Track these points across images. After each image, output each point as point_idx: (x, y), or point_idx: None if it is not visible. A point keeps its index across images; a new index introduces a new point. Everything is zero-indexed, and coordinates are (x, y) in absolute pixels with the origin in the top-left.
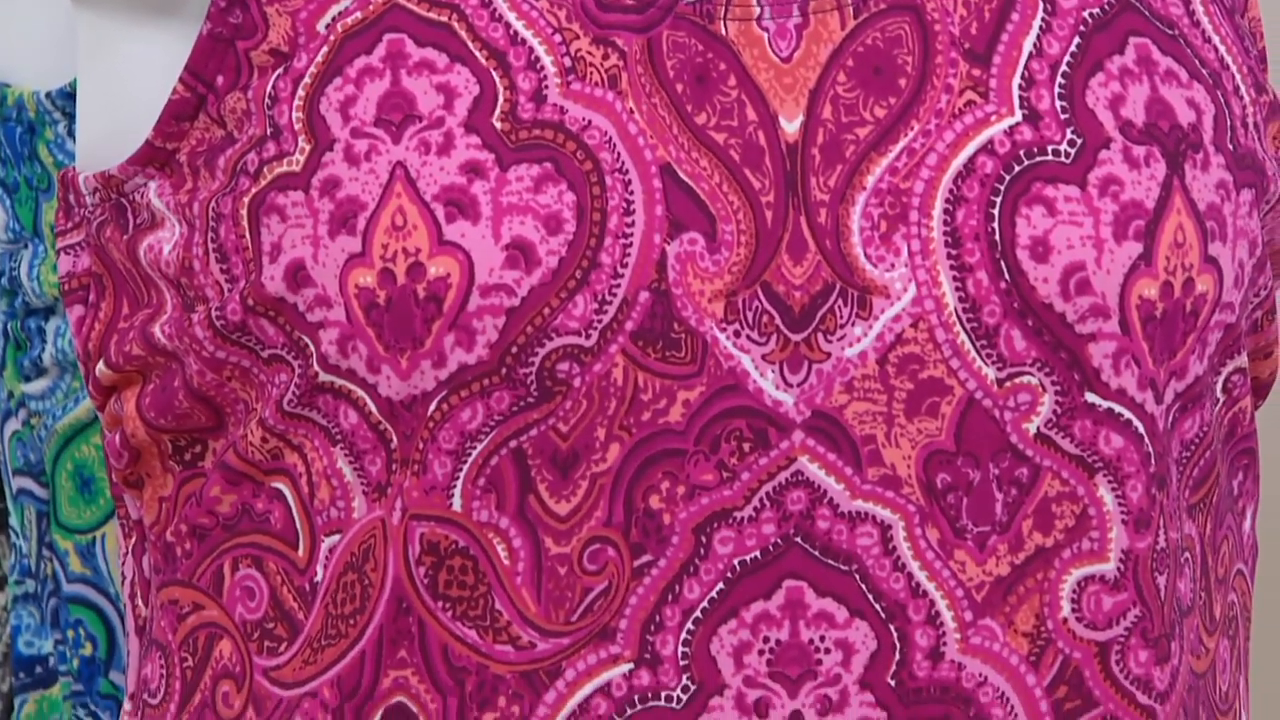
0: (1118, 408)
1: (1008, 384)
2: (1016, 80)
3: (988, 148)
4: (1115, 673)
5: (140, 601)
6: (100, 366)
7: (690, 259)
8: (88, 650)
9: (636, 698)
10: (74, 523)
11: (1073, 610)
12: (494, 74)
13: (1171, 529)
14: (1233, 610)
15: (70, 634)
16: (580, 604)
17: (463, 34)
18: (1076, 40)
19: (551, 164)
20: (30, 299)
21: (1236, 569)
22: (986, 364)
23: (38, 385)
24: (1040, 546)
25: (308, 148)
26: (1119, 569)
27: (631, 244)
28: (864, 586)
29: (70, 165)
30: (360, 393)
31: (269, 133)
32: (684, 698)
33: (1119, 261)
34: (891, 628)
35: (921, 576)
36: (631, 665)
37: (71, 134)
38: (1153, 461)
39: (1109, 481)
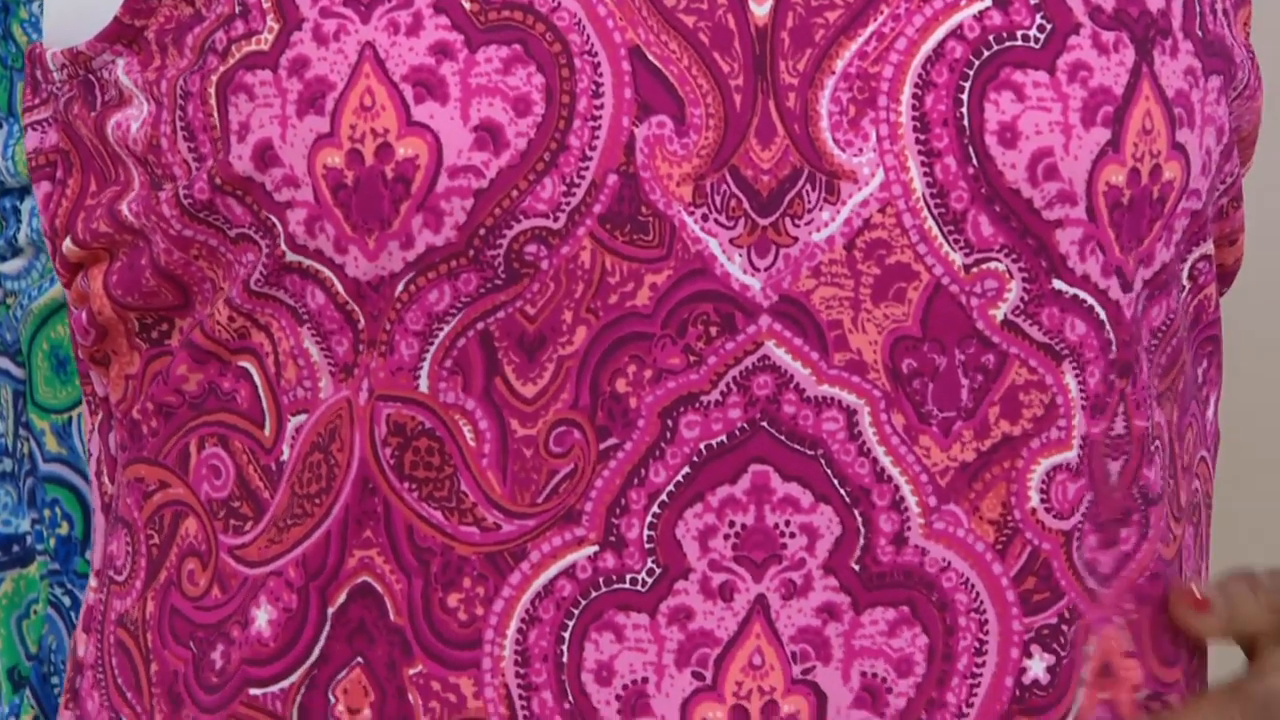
0: (1082, 294)
1: (974, 270)
2: None
3: (957, 32)
4: (1076, 561)
5: (106, 479)
6: (67, 244)
7: (658, 142)
8: (64, 529)
9: (601, 580)
10: (50, 403)
11: (1042, 501)
12: None
13: (1139, 417)
14: (1196, 497)
15: (47, 513)
16: (546, 486)
17: None
18: None
19: (520, 45)
20: (5, 178)
21: (1200, 456)
22: (954, 250)
23: (13, 265)
24: (1007, 435)
25: (276, 26)
26: (1080, 455)
27: (600, 127)
28: (829, 471)
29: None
30: (327, 273)
31: (237, 11)
32: (649, 581)
33: (1086, 148)
34: (856, 512)
35: (886, 462)
36: (596, 548)
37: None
38: (1113, 349)
39: (1074, 369)
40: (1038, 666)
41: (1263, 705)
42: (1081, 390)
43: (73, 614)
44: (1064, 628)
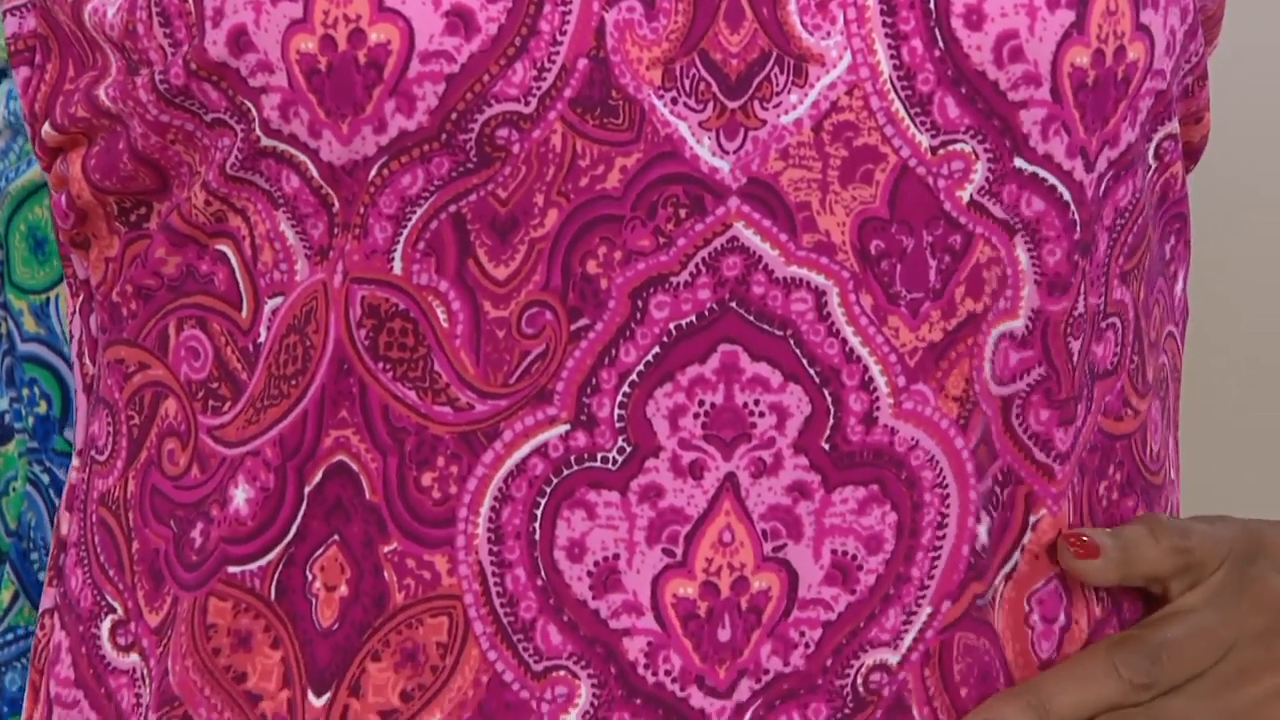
0: (1043, 173)
1: (941, 151)
2: None
3: None
4: (1015, 427)
5: (87, 360)
6: (46, 128)
7: (628, 26)
8: (42, 408)
9: (573, 458)
10: (28, 283)
11: (990, 369)
12: None
13: (1093, 295)
14: (1163, 372)
15: (25, 392)
16: (518, 367)
17: None
18: None
19: None
20: None
21: (1168, 331)
22: (920, 131)
23: None
24: (971, 312)
25: None
26: (1027, 327)
27: (570, 11)
28: (798, 351)
29: None
30: (302, 157)
31: None
32: (619, 459)
33: (1051, 29)
34: (825, 392)
35: (855, 342)
36: (568, 427)
37: None
38: (1077, 228)
39: (1026, 243)
40: (983, 531)
41: (1151, 654)
42: (1036, 266)
43: (51, 491)
44: (997, 489)
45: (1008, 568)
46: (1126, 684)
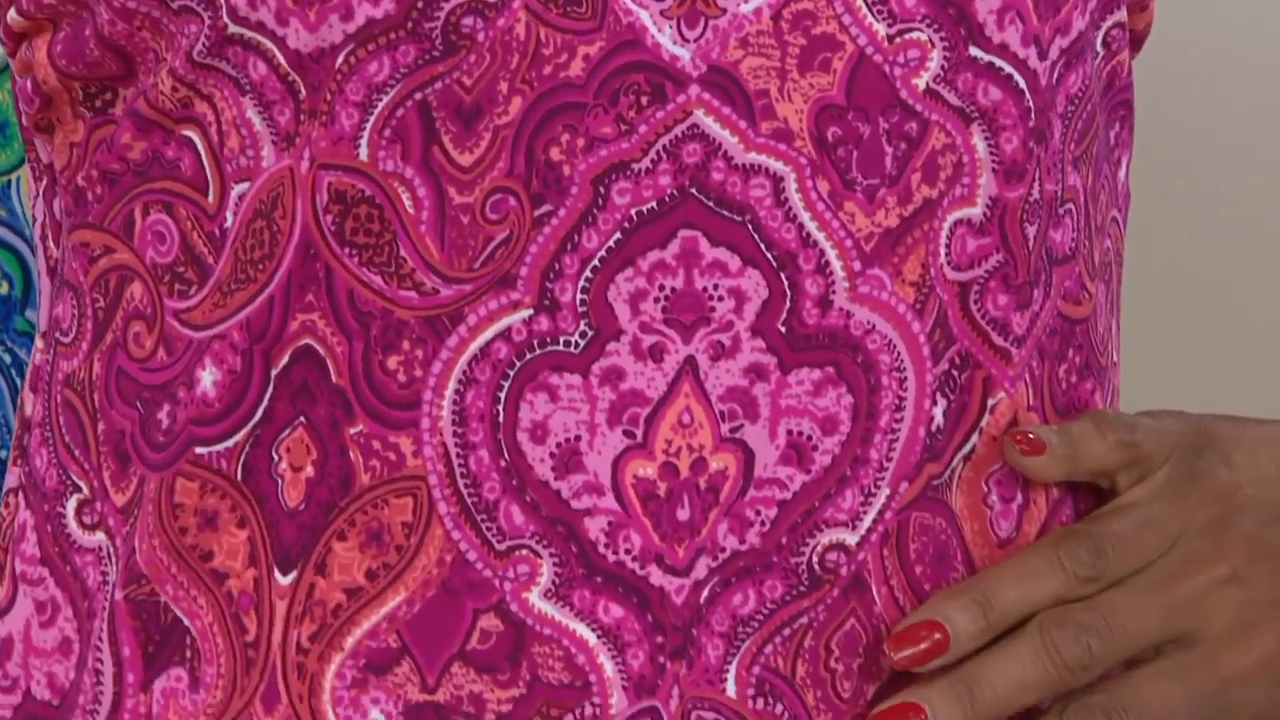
0: (999, 61)
1: (897, 40)
2: None
3: None
4: (973, 312)
5: (51, 243)
6: (12, 14)
7: None
8: (3, 289)
9: (535, 342)
10: None
11: (946, 255)
12: None
13: (1049, 181)
14: (1108, 256)
15: None
16: (482, 252)
17: None
18: None
19: None
20: None
21: (1112, 216)
22: (877, 20)
23: None
24: (927, 199)
25: None
26: (985, 214)
27: None
28: (756, 236)
29: None
30: (269, 44)
31: None
32: (581, 343)
33: None
34: (782, 276)
35: (812, 227)
36: (531, 311)
37: None
38: (1033, 116)
39: (983, 131)
40: (939, 413)
41: (1095, 548)
42: (994, 154)
43: (12, 371)
44: (953, 372)
45: (966, 449)
46: (1071, 577)
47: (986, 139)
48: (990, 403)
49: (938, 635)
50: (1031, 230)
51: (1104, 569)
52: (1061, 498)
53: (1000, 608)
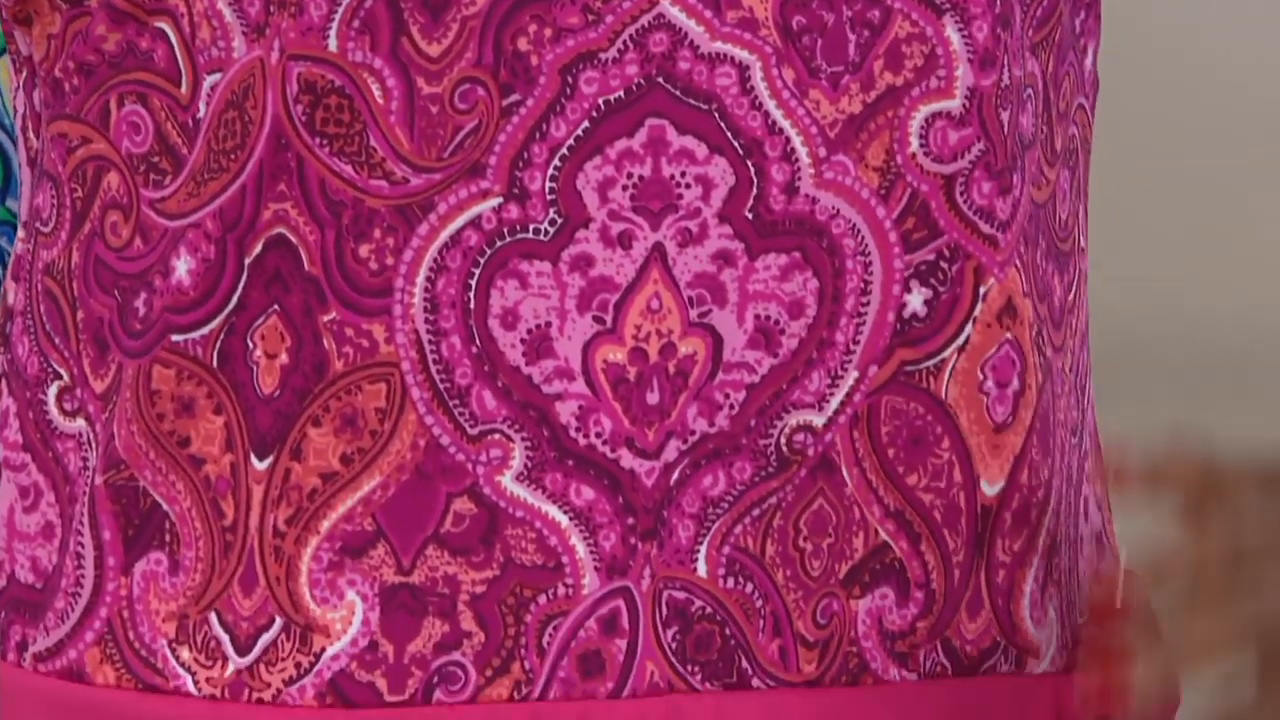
0: None
1: None
2: None
3: None
4: (960, 203)
5: (31, 134)
6: None
7: None
8: None
9: (505, 230)
10: None
11: (921, 146)
12: None
13: (1015, 66)
14: (1073, 143)
15: None
16: (451, 141)
17: None
18: None
19: None
20: None
21: (1077, 103)
22: None
23: None
24: (891, 85)
25: None
26: (964, 106)
27: None
28: (723, 124)
29: None
30: None
31: None
32: (550, 230)
33: None
34: (749, 163)
35: (777, 115)
36: (501, 199)
37: None
38: (998, 2)
39: (956, 22)
40: (916, 300)
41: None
42: (967, 45)
43: None
44: (942, 264)
45: (960, 339)
46: None
47: (960, 30)
48: (982, 290)
49: None
50: (1005, 115)
51: None
52: (1043, 381)
53: None
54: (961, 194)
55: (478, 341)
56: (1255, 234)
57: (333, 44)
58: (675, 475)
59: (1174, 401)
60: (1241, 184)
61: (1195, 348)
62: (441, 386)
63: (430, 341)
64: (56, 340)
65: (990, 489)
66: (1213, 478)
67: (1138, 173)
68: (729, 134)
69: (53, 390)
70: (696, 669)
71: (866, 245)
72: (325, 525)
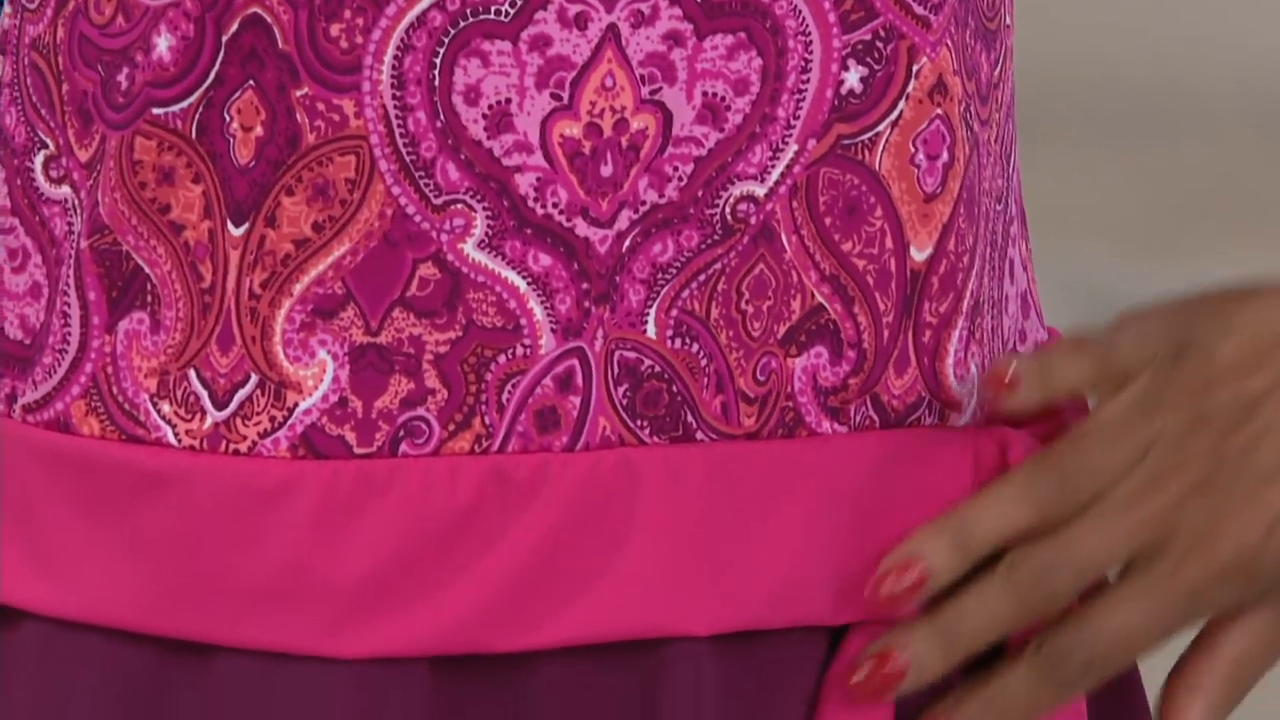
0: None
1: None
2: None
3: None
4: None
5: None
6: None
7: None
8: None
9: (468, 11)
10: None
11: None
12: None
13: None
14: None
15: None
16: None
17: None
18: None
19: None
20: None
21: None
22: None
23: None
24: None
25: None
26: None
27: None
28: None
29: None
30: None
31: None
32: (511, 12)
33: None
34: None
35: None
36: None
37: None
38: None
39: None
40: (853, 78)
41: (1060, 479)
42: None
43: None
44: (878, 44)
45: (894, 115)
46: (1039, 510)
47: None
48: (915, 68)
49: (919, 572)
50: None
51: (1070, 498)
52: (970, 154)
53: (975, 544)
54: None
55: (442, 116)
56: None
57: None
58: (627, 243)
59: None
60: None
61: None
62: (408, 159)
63: (397, 117)
64: (43, 112)
65: (919, 255)
66: (1110, 369)
67: None
68: None
69: (39, 158)
70: (645, 423)
71: (807, 25)
72: (298, 288)
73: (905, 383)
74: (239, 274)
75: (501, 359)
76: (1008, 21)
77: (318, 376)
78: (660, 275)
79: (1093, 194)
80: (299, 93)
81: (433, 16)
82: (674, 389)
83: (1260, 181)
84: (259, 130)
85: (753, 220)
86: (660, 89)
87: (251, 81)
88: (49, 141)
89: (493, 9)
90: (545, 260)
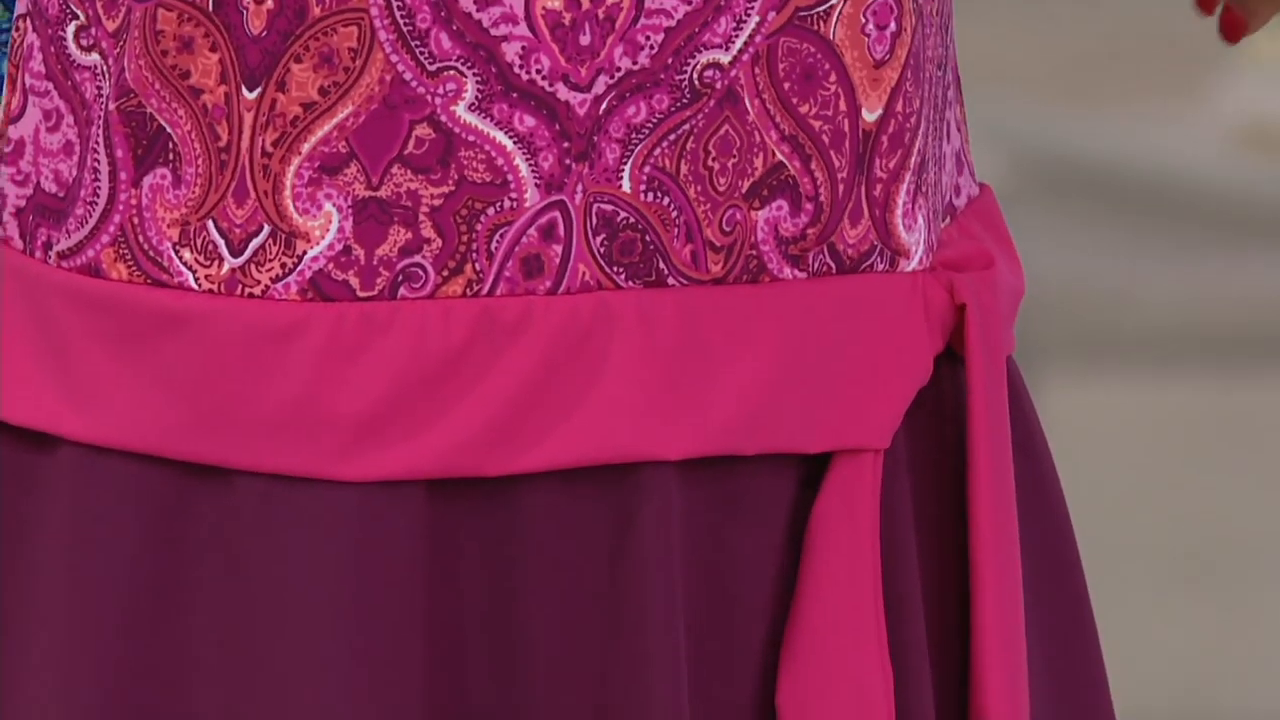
0: None
1: None
2: None
3: None
4: None
5: None
6: None
7: None
8: None
9: None
10: None
11: None
12: None
13: None
14: None
15: None
16: None
17: None
18: None
19: None
20: None
21: None
22: None
23: None
24: None
25: None
26: None
27: None
28: None
29: None
30: None
31: None
32: None
33: None
34: None
35: None
36: None
37: None
38: None
39: None
40: None
41: None
42: None
43: None
44: None
45: None
46: None
47: None
48: None
49: None
50: None
51: None
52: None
53: None
54: None
55: None
56: None
57: None
58: (604, 106)
59: None
60: None
61: None
62: (404, 29)
63: None
64: None
65: (870, 116)
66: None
67: None
68: None
69: (71, 28)
70: (621, 270)
71: None
72: (306, 147)
73: (859, 232)
74: (252, 134)
75: (490, 211)
76: None
77: (324, 227)
78: (634, 135)
79: (1015, 47)
80: None
81: None
82: (647, 238)
83: (1184, 29)
84: (269, 3)
85: (718, 85)
86: None
87: None
88: (80, 13)
89: None
90: (530, 121)
